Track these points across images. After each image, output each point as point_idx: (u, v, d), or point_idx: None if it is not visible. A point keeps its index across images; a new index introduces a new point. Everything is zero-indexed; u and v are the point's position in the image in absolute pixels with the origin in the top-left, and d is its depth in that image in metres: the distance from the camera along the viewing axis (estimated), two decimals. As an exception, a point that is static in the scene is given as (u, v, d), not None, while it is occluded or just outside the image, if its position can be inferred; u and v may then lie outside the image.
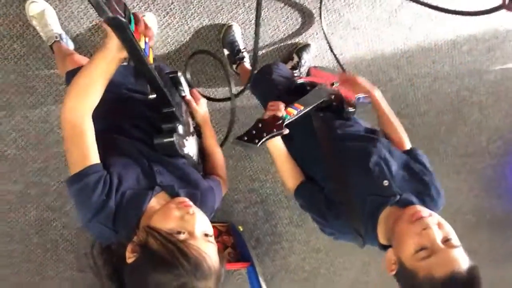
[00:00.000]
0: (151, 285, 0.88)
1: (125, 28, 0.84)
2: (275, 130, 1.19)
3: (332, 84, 1.57)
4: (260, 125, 1.19)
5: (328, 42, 2.21)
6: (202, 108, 1.34)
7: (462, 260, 1.04)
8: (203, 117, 1.35)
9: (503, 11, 1.40)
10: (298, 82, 1.59)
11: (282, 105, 1.29)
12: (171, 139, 1.11)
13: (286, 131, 1.23)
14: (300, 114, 1.29)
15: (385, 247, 1.22)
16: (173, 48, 2.11)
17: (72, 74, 1.43)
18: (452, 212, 3.73)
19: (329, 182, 1.31)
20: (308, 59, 2.28)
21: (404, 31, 2.52)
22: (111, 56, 0.94)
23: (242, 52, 2.13)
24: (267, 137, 1.17)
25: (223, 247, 2.84)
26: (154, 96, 1.12)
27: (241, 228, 2.95)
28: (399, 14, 2.43)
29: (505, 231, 4.23)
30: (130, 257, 0.93)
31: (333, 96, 1.49)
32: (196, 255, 0.89)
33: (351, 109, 1.51)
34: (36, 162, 2.23)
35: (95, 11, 0.74)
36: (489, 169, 3.65)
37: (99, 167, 1.00)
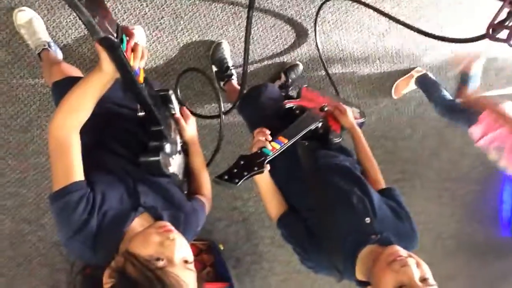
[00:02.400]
0: None
1: (116, 48, 0.86)
2: (256, 168, 1.17)
3: (321, 109, 1.57)
4: (241, 163, 1.17)
5: (323, 63, 2.22)
6: (191, 126, 1.34)
7: None
8: (192, 135, 1.34)
9: (486, 40, 1.44)
10: (287, 106, 1.57)
11: (267, 133, 1.28)
12: (157, 158, 1.10)
13: (267, 169, 1.22)
14: (284, 147, 1.28)
15: (361, 284, 1.23)
16: (162, 63, 2.10)
17: (58, 85, 1.42)
18: (433, 237, 3.75)
19: (313, 214, 1.30)
20: (296, 79, 2.29)
21: (391, 55, 2.56)
22: (106, 78, 0.96)
23: (231, 69, 2.13)
24: (247, 176, 1.14)
25: (203, 266, 2.79)
26: (142, 114, 1.12)
27: (221, 247, 2.91)
28: (386, 38, 2.48)
29: (485, 256, 4.26)
30: (107, 283, 0.90)
31: (320, 125, 1.49)
32: (174, 283, 0.87)
33: (336, 140, 1.52)
34: (15, 172, 2.17)
35: (87, 30, 0.75)
36: (471, 194, 3.69)
37: (83, 184, 0.98)
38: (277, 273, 3.43)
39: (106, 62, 0.91)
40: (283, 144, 1.28)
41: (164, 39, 2.05)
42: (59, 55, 1.86)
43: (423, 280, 1.07)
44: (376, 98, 2.71)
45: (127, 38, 0.91)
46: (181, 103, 1.41)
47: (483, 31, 1.41)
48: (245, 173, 1.13)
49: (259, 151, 1.21)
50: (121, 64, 0.90)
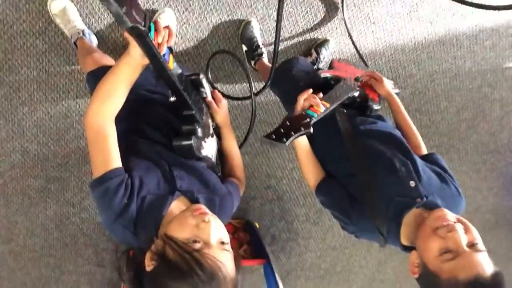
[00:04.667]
0: None
1: (144, 37, 0.87)
2: (302, 129, 1.18)
3: (356, 79, 1.55)
4: (288, 123, 1.18)
5: (350, 37, 2.17)
6: (223, 109, 1.34)
7: (487, 265, 1.03)
8: (224, 118, 1.35)
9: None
10: (322, 76, 1.56)
11: (314, 95, 1.28)
12: (189, 142, 1.12)
13: (311, 130, 1.22)
14: (327, 111, 1.28)
15: (406, 249, 1.22)
16: (192, 44, 2.11)
17: (93, 75, 1.46)
18: (471, 211, 3.68)
19: (354, 179, 1.29)
20: (327, 55, 2.26)
21: (425, 26, 2.48)
22: (135, 63, 0.97)
23: (261, 48, 2.12)
24: (295, 135, 1.17)
25: (239, 243, 2.85)
26: (174, 99, 1.13)
27: (257, 225, 2.95)
28: (420, 9, 2.39)
29: (525, 230, 4.16)
30: (149, 265, 0.94)
31: (357, 93, 1.47)
32: (211, 264, 0.89)
33: (376, 106, 1.49)
34: (57, 158, 2.26)
35: (115, 20, 0.76)
36: (510, 167, 3.58)
37: (121, 171, 1.01)
38: (313, 249, 3.46)
39: (134, 48, 0.93)
40: (325, 108, 1.28)
41: (193, 21, 2.05)
42: (94, 42, 1.90)
43: (472, 245, 1.05)
44: (411, 71, 2.64)
45: (155, 27, 0.92)
46: (213, 86, 1.42)
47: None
48: (292, 133, 1.16)
49: (304, 113, 1.22)
50: (150, 51, 0.92)
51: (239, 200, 1.28)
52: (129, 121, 1.18)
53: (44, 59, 1.94)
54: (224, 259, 0.92)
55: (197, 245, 0.92)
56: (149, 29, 0.89)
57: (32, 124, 2.11)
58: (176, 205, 1.05)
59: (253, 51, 2.12)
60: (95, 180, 1.00)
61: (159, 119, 1.22)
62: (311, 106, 1.26)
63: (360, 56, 2.20)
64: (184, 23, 2.05)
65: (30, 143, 2.17)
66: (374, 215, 1.22)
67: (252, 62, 2.16)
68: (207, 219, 0.96)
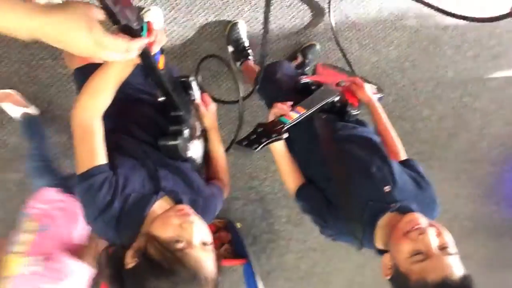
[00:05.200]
0: None
1: (137, 36, 0.86)
2: (274, 135, 1.19)
3: (338, 84, 1.56)
4: (260, 130, 1.19)
5: (337, 42, 2.18)
6: (211, 113, 1.35)
7: (456, 268, 1.04)
8: (211, 122, 1.35)
9: (510, 19, 1.40)
10: (302, 81, 1.57)
11: (287, 106, 1.30)
12: (175, 142, 1.13)
13: (285, 136, 1.23)
14: (302, 117, 1.29)
15: (381, 252, 1.23)
16: (178, 43, 2.11)
17: (81, 71, 1.45)
18: (450, 218, 3.74)
19: (330, 184, 1.31)
20: (312, 59, 2.28)
21: (409, 35, 2.51)
22: (126, 61, 0.97)
23: (247, 49, 2.12)
24: (265, 142, 1.17)
25: (220, 243, 2.85)
26: (162, 99, 1.14)
27: (239, 225, 2.96)
28: (405, 17, 2.43)
29: (501, 238, 4.23)
30: (129, 263, 0.94)
31: (337, 98, 1.49)
32: (193, 264, 0.90)
33: (354, 112, 1.51)
34: (37, 152, 2.23)
35: (108, 18, 0.76)
36: (489, 175, 3.65)
37: (106, 167, 1.02)
38: (293, 250, 3.48)
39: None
40: (300, 114, 1.29)
41: (180, 20, 2.05)
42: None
43: (443, 248, 1.06)
44: (395, 79, 2.68)
45: (148, 27, 0.92)
46: (202, 90, 1.43)
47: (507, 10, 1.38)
48: (263, 140, 1.16)
49: (276, 120, 1.23)
50: (142, 51, 0.92)
51: (222, 202, 1.29)
52: (116, 119, 1.18)
53: (26, 52, 1.92)
54: (205, 259, 0.94)
55: (180, 245, 0.93)
56: (141, 29, 0.89)
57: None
58: (160, 205, 1.05)
59: (240, 52, 2.13)
60: (79, 175, 1.00)
61: (146, 119, 1.22)
62: (284, 114, 1.27)
63: (347, 61, 2.21)
64: (171, 21, 2.04)
65: (9, 136, 2.14)
66: (349, 219, 1.24)
67: (238, 64, 2.16)
68: (191, 219, 0.97)
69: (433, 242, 1.07)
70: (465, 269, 1.06)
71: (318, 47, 2.30)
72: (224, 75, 2.27)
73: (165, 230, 0.95)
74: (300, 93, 1.50)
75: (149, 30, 0.92)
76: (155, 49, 0.96)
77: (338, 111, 1.51)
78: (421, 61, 2.65)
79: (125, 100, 1.21)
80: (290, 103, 1.32)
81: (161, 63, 1.01)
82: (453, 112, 3.05)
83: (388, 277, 1.17)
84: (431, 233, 1.08)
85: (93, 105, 1.02)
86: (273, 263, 3.49)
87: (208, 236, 0.99)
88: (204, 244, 0.97)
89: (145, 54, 0.92)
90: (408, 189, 1.28)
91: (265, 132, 1.19)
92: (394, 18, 2.41)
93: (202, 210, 1.12)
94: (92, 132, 1.01)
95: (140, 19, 0.86)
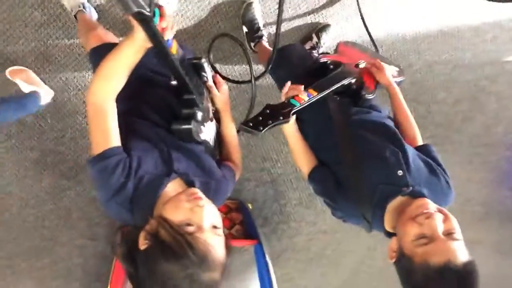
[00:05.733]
0: (159, 273, 0.92)
1: (149, 22, 0.88)
2: (281, 118, 1.18)
3: (357, 65, 1.54)
4: (267, 111, 1.18)
5: (362, 19, 2.10)
6: (223, 94, 1.34)
7: (459, 253, 1.05)
8: (223, 103, 1.35)
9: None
10: (321, 61, 1.55)
11: (300, 88, 1.29)
12: (189, 126, 1.13)
13: (293, 119, 1.23)
14: (312, 100, 1.28)
15: (390, 235, 1.24)
16: (193, 23, 2.09)
17: (96, 52, 1.45)
18: (462, 203, 3.72)
19: (342, 167, 1.31)
20: (327, 40, 2.25)
21: (427, 16, 2.47)
22: (138, 45, 0.98)
23: (261, 30, 2.11)
24: (272, 124, 1.16)
25: (232, 223, 2.88)
26: (175, 83, 1.15)
27: (250, 206, 2.98)
28: (424, -2, 2.38)
29: (513, 223, 4.22)
30: (142, 244, 0.97)
31: (353, 81, 1.47)
32: (202, 248, 0.92)
33: (369, 96, 1.49)
34: (53, 131, 2.26)
35: (120, 5, 0.76)
36: (503, 160, 3.61)
37: (119, 149, 1.03)
38: (304, 232, 3.51)
39: (138, 31, 0.94)
40: (311, 97, 1.28)
41: (194, 0, 2.04)
42: (94, 16, 1.88)
43: (448, 234, 1.07)
44: (410, 61, 2.64)
45: (160, 13, 0.93)
46: (215, 70, 1.42)
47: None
48: (270, 122, 1.15)
49: (286, 101, 1.23)
50: (155, 37, 0.93)
51: (234, 184, 1.30)
52: (130, 101, 1.19)
53: (43, 31, 1.93)
54: (215, 243, 0.95)
55: (190, 229, 0.94)
56: (154, 14, 0.90)
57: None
58: (172, 187, 1.06)
59: (254, 33, 2.11)
60: (94, 157, 1.01)
61: (160, 101, 1.23)
62: (296, 95, 1.26)
63: (371, 39, 2.11)
64: (185, 1, 2.03)
65: (26, 115, 2.16)
66: (360, 201, 1.25)
67: (252, 44, 2.15)
68: (201, 203, 0.99)
69: (439, 226, 1.08)
70: (470, 255, 1.06)
71: (333, 27, 2.27)
72: (238, 55, 2.26)
73: (176, 213, 0.97)
74: (314, 75, 1.48)
75: (162, 16, 0.93)
76: (168, 35, 0.97)
77: (353, 94, 1.49)
78: (438, 43, 2.61)
79: (139, 81, 1.22)
80: (302, 86, 1.31)
81: (174, 48, 1.02)
82: (469, 95, 3.01)
83: (393, 260, 1.19)
84: (438, 218, 1.09)
85: (106, 88, 1.03)
86: (283, 244, 3.52)
87: (218, 221, 1.01)
88: (214, 227, 0.98)
89: (157, 39, 0.93)
90: (421, 175, 1.27)
91: (272, 114, 1.18)
92: (409, 1, 2.36)
93: (213, 192, 1.13)
94: (105, 114, 1.02)
95: (152, 4, 0.86)
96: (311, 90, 1.30)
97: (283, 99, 1.28)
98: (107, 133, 1.02)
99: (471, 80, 2.91)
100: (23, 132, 2.23)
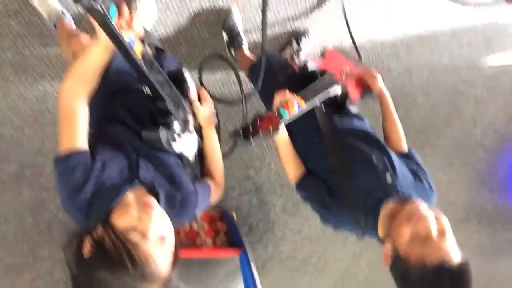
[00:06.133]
0: (96, 281, 0.89)
1: (103, 18, 0.87)
2: (271, 128, 1.19)
3: (342, 74, 1.55)
4: (257, 122, 1.19)
5: (347, 25, 2.12)
6: (206, 109, 1.32)
7: (454, 253, 1.07)
8: (206, 118, 1.32)
9: (504, 4, 1.41)
10: (310, 70, 1.55)
11: (287, 93, 1.29)
12: (157, 133, 1.12)
13: (281, 130, 1.23)
14: (302, 112, 1.29)
15: (383, 241, 1.25)
16: (173, 30, 2.09)
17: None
18: (442, 205, 3.70)
19: (332, 175, 1.32)
20: (307, 46, 2.27)
21: (404, 21, 2.52)
22: (102, 45, 0.97)
23: (242, 36, 2.11)
24: (262, 135, 1.18)
25: (216, 233, 2.85)
26: (149, 93, 1.12)
27: (234, 215, 2.96)
28: (400, 4, 2.43)
29: (494, 224, 4.29)
30: (85, 248, 0.93)
31: (339, 91, 1.48)
32: (142, 258, 0.89)
33: (353, 109, 1.52)
34: (31, 142, 2.21)
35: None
36: (482, 162, 3.68)
37: (84, 152, 1.02)
38: (289, 240, 3.49)
39: (100, 31, 0.93)
40: (300, 108, 1.29)
41: (174, 7, 2.03)
42: (72, 23, 1.86)
43: (442, 233, 1.09)
44: (389, 65, 2.68)
45: (117, 7, 0.92)
46: (202, 85, 1.41)
47: None
48: (260, 132, 1.17)
49: (276, 113, 1.23)
50: (111, 34, 0.91)
51: (208, 200, 1.27)
52: (109, 105, 1.18)
53: (19, 40, 1.89)
54: (158, 255, 0.92)
55: (134, 235, 0.91)
56: (108, 10, 0.88)
57: (5, 107, 2.06)
58: (133, 196, 1.03)
59: (234, 40, 2.12)
60: (57, 156, 1.00)
61: (140, 108, 1.21)
62: (286, 104, 1.26)
63: (356, 47, 2.13)
64: (165, 9, 2.02)
65: (3, 126, 2.11)
66: (353, 208, 1.26)
67: (232, 50, 2.15)
68: (150, 211, 0.96)
69: (433, 227, 1.09)
70: (462, 255, 1.08)
71: (312, 33, 2.29)
72: (227, 68, 2.25)
73: (123, 219, 0.94)
74: (298, 83, 1.49)
75: (120, 14, 0.91)
76: (128, 35, 0.95)
77: (338, 104, 1.51)
78: (416, 47, 2.66)
79: (122, 87, 1.21)
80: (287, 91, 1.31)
81: (138, 50, 1.00)
82: (448, 99, 3.06)
83: (388, 265, 1.19)
84: (431, 219, 1.10)
85: (76, 89, 1.02)
86: (269, 252, 3.50)
87: (168, 233, 0.97)
88: (162, 239, 0.95)
89: (114, 36, 0.91)
90: (407, 179, 1.31)
91: (262, 125, 1.19)
92: (388, 4, 2.41)
93: (179, 205, 1.11)
94: (74, 115, 1.01)
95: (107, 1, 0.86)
96: (299, 101, 1.30)
97: (276, 105, 1.28)
98: (74, 133, 1.01)
99: (449, 84, 2.97)
100: (0, 145, 2.18)
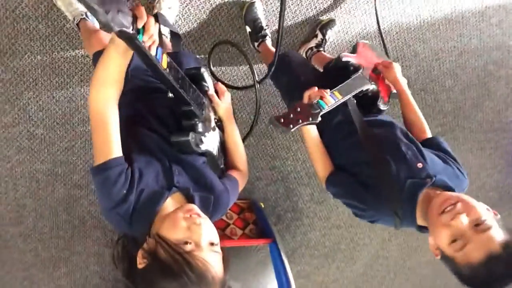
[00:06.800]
0: None
1: (134, 40, 0.88)
2: (310, 118, 1.20)
3: (374, 70, 1.55)
4: (298, 110, 1.20)
5: (377, 17, 2.09)
6: (225, 102, 1.33)
7: (495, 239, 1.05)
8: (226, 111, 1.34)
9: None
10: (344, 60, 1.54)
11: (323, 92, 1.29)
12: (187, 138, 1.13)
13: (319, 120, 1.24)
14: (338, 103, 1.30)
15: (421, 228, 1.26)
16: (195, 26, 2.09)
17: (98, 55, 1.45)
18: (475, 189, 3.69)
19: (364, 167, 1.33)
20: (332, 36, 2.24)
21: (431, 4, 2.44)
22: (121, 49, 0.97)
23: (265, 29, 2.10)
24: (301, 124, 1.19)
25: (245, 223, 2.88)
26: (172, 95, 1.13)
27: (262, 205, 2.98)
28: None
29: (528, 207, 4.18)
30: (140, 263, 0.97)
31: (371, 87, 1.48)
32: (201, 266, 0.92)
33: (383, 107, 1.52)
34: (63, 141, 2.27)
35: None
36: (514, 145, 3.58)
37: (121, 160, 1.03)
38: (317, 228, 3.50)
39: (116, 36, 0.93)
40: (337, 99, 1.30)
41: (196, 1, 2.03)
42: (96, 24, 1.88)
43: (476, 225, 1.07)
44: (416, 50, 2.62)
45: (144, 27, 0.92)
46: (216, 78, 1.42)
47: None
48: (300, 121, 1.18)
49: (315, 103, 1.24)
50: (142, 54, 0.93)
51: (237, 195, 1.29)
52: (135, 107, 1.20)
53: (48, 44, 1.94)
54: (213, 260, 0.96)
55: (188, 247, 0.95)
56: (138, 32, 0.90)
57: (37, 108, 2.12)
58: (171, 202, 1.07)
59: (257, 33, 2.10)
60: (96, 167, 1.02)
61: (165, 110, 1.22)
62: (321, 97, 1.27)
63: (383, 42, 2.09)
64: (187, 4, 2.03)
65: (36, 127, 2.18)
66: (389, 199, 1.26)
67: (256, 44, 2.14)
68: (198, 221, 0.99)
69: (465, 223, 1.08)
70: (506, 233, 1.07)
71: (337, 23, 2.25)
72: (240, 57, 2.25)
73: (174, 232, 0.97)
74: (321, 80, 1.49)
75: (146, 31, 0.92)
76: (153, 50, 0.96)
77: (369, 102, 1.50)
78: (443, 30, 2.58)
79: (144, 88, 1.23)
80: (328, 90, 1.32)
81: (164, 62, 1.01)
82: (477, 81, 2.97)
83: (438, 257, 1.20)
84: (462, 215, 1.08)
85: (103, 94, 1.02)
86: (297, 241, 3.51)
87: (215, 237, 1.01)
88: (212, 244, 0.98)
89: (145, 56, 0.93)
90: (437, 165, 1.30)
91: (302, 114, 1.20)
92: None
93: (213, 207, 1.14)
94: (105, 122, 1.01)
95: (135, 22, 0.88)
96: (336, 93, 1.31)
97: (306, 101, 1.28)
98: (109, 142, 1.02)
99: (478, 66, 2.88)
100: (33, 145, 2.24)
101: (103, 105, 1.02)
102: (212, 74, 1.41)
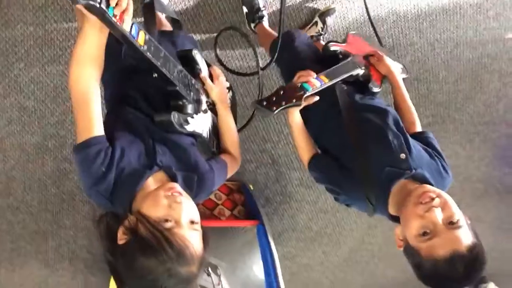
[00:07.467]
0: (138, 268, 0.94)
1: (103, 14, 0.87)
2: (294, 100, 1.20)
3: (365, 57, 1.54)
4: (281, 93, 1.20)
5: (366, 9, 2.04)
6: (218, 87, 1.33)
7: (463, 240, 1.07)
8: (219, 95, 1.34)
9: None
10: (332, 49, 1.54)
11: (312, 74, 1.29)
12: (169, 118, 1.13)
13: (304, 104, 1.24)
14: (323, 87, 1.29)
15: (393, 218, 1.27)
16: (192, 4, 2.07)
17: None
18: (462, 180, 3.74)
19: (347, 150, 1.33)
20: (332, 24, 2.22)
21: (429, -6, 2.43)
22: (96, 27, 0.96)
23: (262, 10, 2.08)
24: (285, 106, 1.19)
25: (234, 204, 2.90)
26: (156, 75, 1.11)
27: (251, 187, 3.00)
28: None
29: (512, 200, 4.25)
30: (121, 239, 0.98)
31: (361, 72, 1.47)
32: (180, 243, 0.94)
33: (375, 89, 1.51)
34: (54, 115, 2.26)
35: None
36: (503, 138, 3.61)
37: (102, 139, 1.03)
38: (305, 212, 3.54)
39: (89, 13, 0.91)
40: (323, 83, 1.29)
41: (194, -20, 2.01)
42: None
43: (449, 222, 1.09)
44: (412, 39, 2.62)
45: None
46: (220, 62, 1.41)
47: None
48: (283, 103, 1.19)
49: (299, 85, 1.24)
50: (113, 27, 0.91)
51: (225, 177, 1.30)
52: (122, 85, 1.20)
53: (41, 15, 1.90)
54: (192, 238, 0.98)
55: (168, 224, 0.96)
56: (108, 6, 0.88)
57: (28, 80, 2.10)
58: (153, 180, 1.07)
59: (254, 14, 2.08)
60: (77, 145, 1.02)
61: (153, 89, 1.22)
62: (308, 80, 1.27)
63: (375, 31, 2.03)
64: (184, -19, 2.00)
65: (27, 99, 2.16)
66: (365, 184, 1.27)
67: (252, 25, 2.12)
68: (179, 200, 1.00)
69: (439, 217, 1.09)
70: (474, 237, 1.09)
71: (336, 10, 2.23)
72: (243, 42, 2.23)
73: (155, 209, 0.98)
74: (322, 62, 1.49)
75: (117, 4, 0.90)
76: (127, 21, 0.94)
77: (360, 85, 1.51)
78: (440, 20, 2.58)
79: (134, 66, 1.21)
80: (313, 73, 1.32)
81: (141, 39, 0.99)
82: (471, 73, 2.98)
83: (401, 248, 1.21)
84: (437, 210, 1.10)
85: (82, 74, 1.01)
86: (285, 224, 3.55)
87: (196, 215, 1.02)
88: (192, 222, 1.00)
89: (116, 29, 0.92)
90: (422, 158, 1.30)
91: (285, 96, 1.20)
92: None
93: (197, 186, 1.14)
94: (86, 102, 1.00)
95: None
96: (322, 77, 1.31)
97: (295, 81, 1.28)
98: (90, 121, 1.01)
99: (473, 58, 2.88)
100: (23, 117, 2.23)
101: (83, 84, 1.01)
102: (218, 60, 1.40)
